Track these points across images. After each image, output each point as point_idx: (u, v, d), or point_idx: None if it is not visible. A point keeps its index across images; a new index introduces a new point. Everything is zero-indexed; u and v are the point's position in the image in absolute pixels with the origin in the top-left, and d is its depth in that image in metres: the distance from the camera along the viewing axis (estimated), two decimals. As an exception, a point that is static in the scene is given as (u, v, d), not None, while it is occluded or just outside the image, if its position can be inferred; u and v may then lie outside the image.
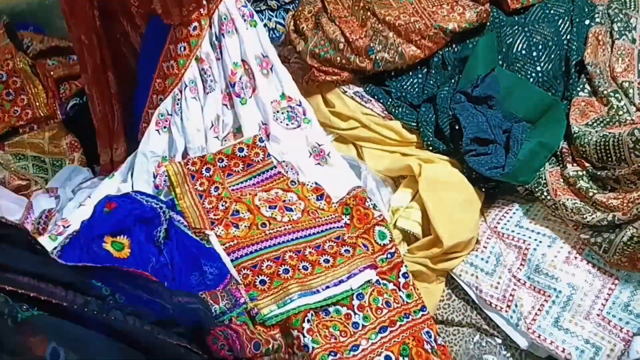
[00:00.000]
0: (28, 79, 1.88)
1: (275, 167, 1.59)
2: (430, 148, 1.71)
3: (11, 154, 1.74)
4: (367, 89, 1.81)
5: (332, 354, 1.27)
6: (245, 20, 1.64)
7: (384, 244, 1.49)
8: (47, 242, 1.37)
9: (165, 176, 1.52)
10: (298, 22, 1.85)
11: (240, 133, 1.67)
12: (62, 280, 0.86)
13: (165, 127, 1.64)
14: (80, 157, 1.86)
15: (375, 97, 1.80)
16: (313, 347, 1.27)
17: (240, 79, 1.64)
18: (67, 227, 1.44)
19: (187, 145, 1.61)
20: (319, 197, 1.55)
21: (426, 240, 1.55)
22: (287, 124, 1.65)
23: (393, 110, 1.77)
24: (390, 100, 1.79)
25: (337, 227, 1.49)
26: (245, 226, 1.44)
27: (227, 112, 1.67)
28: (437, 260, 1.54)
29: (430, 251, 1.53)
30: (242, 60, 1.65)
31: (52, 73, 1.99)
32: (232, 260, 1.37)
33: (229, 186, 1.53)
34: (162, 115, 1.64)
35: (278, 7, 2.10)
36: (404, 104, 1.78)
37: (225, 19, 1.62)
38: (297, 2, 2.04)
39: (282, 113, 1.66)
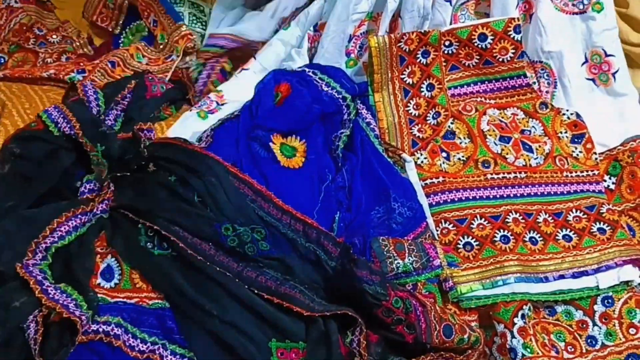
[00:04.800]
0: None
1: (525, 75, 1.47)
2: None
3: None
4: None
5: (549, 371, 1.23)
6: None
7: (662, 233, 1.39)
8: (195, 120, 1.40)
9: (363, 47, 1.51)
10: None
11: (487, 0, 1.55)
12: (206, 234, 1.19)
13: None
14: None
15: (698, 1, 1.65)
16: (523, 355, 1.20)
17: None
18: (222, 104, 1.46)
19: (402, 5, 1.54)
20: (576, 138, 1.44)
21: None
22: (565, 4, 1.52)
23: None
24: None
25: (594, 191, 1.40)
26: (459, 159, 1.39)
27: None
28: None
29: None
30: None
31: None
32: (431, 205, 1.34)
33: (450, 85, 1.47)
34: None
35: None
36: None
37: None
38: None
39: None
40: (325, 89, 1.40)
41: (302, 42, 1.60)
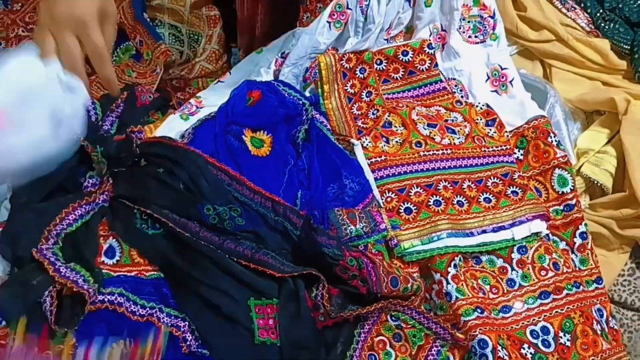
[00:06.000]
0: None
1: (441, 80, 1.51)
2: (644, 81, 1.55)
3: (150, 19, 1.78)
4: (574, -7, 1.66)
5: (478, 310, 1.21)
6: None
7: (562, 192, 1.38)
8: (179, 122, 1.41)
9: (317, 69, 1.48)
10: None
11: (409, 33, 1.58)
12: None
13: (339, 22, 1.56)
14: (220, 33, 1.83)
15: (582, 4, 1.65)
16: (457, 297, 1.22)
17: (432, -28, 1.56)
18: (201, 108, 1.46)
19: (353, 47, 1.53)
20: (490, 122, 1.45)
21: (616, 196, 1.42)
22: (469, 36, 1.57)
23: (602, 24, 1.61)
24: (601, 11, 1.62)
25: (507, 161, 1.41)
26: (396, 142, 1.39)
27: (407, 9, 1.58)
28: (626, 224, 1.41)
29: (619, 211, 1.40)
30: None
31: None
32: (376, 179, 1.34)
33: (384, 93, 1.48)
34: (339, 7, 1.55)
35: None
36: (619, 19, 1.61)
37: None
38: None
39: (469, 22, 1.57)
40: (287, 95, 1.40)
41: (270, 64, 1.59)
